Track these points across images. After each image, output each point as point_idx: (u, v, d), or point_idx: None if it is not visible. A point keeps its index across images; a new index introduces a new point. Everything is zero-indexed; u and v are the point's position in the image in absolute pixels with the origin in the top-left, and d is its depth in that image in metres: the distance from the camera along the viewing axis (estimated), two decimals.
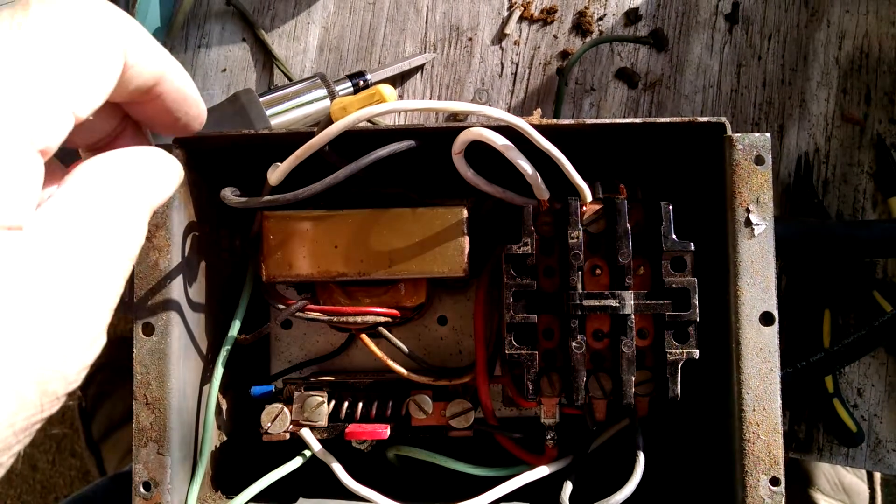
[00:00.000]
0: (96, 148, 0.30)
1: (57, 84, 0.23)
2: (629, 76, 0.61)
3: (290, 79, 0.62)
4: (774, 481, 0.39)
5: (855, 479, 1.03)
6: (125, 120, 0.31)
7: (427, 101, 0.36)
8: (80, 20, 0.24)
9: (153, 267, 0.41)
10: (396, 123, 0.61)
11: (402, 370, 0.45)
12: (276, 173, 0.40)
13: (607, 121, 0.42)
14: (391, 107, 0.34)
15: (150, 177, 0.27)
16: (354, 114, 0.35)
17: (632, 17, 0.62)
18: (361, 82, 0.59)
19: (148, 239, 0.41)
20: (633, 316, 0.40)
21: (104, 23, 0.25)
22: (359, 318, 0.45)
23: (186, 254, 0.43)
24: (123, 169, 0.26)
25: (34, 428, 0.22)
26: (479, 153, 0.41)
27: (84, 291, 0.23)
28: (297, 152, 0.39)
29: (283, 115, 0.58)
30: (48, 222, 0.23)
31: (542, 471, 0.44)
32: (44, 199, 0.24)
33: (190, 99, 0.30)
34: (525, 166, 0.41)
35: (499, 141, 0.40)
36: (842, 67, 0.61)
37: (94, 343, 0.24)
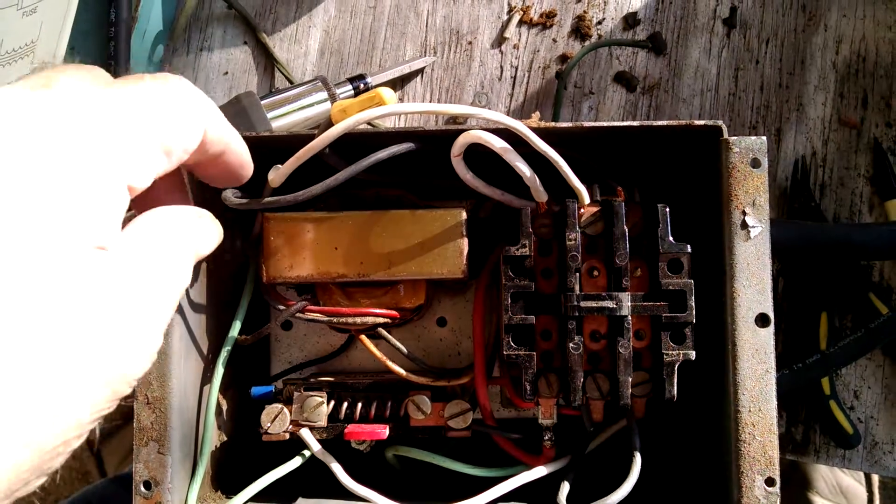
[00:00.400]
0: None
1: (156, 139, 0.28)
2: (628, 80, 0.62)
3: (291, 82, 0.63)
4: (770, 482, 0.40)
5: (853, 482, 1.03)
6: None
7: (426, 104, 0.36)
8: (179, 94, 0.30)
9: None
10: (396, 126, 0.62)
11: (401, 371, 0.45)
12: (277, 175, 0.41)
13: (605, 124, 0.42)
14: (390, 109, 0.34)
15: (202, 232, 0.33)
16: (354, 116, 0.35)
17: (630, 21, 0.62)
18: (362, 85, 0.60)
19: None
20: (630, 317, 0.41)
21: (195, 100, 0.31)
22: (358, 319, 0.45)
23: None
24: (186, 220, 0.32)
25: (94, 425, 0.25)
26: (478, 156, 0.42)
27: (150, 310, 0.27)
28: (298, 154, 0.39)
29: (284, 117, 0.58)
30: (127, 249, 0.27)
31: (539, 471, 0.44)
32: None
33: (245, 163, 0.35)
34: (523, 169, 0.41)
35: (497, 144, 0.40)
36: (839, 71, 0.61)
37: (151, 356, 0.27)
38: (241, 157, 0.35)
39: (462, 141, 0.41)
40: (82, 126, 0.25)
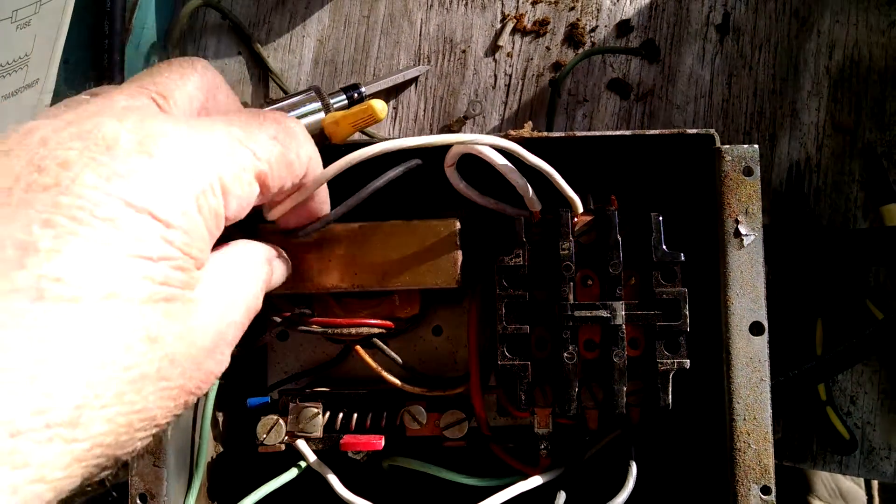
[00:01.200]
0: None
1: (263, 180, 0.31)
2: (621, 87, 0.62)
3: (285, 92, 0.63)
4: (765, 490, 0.40)
5: (853, 485, 1.03)
6: None
7: (418, 138, 0.37)
8: (292, 131, 0.32)
9: None
10: (390, 136, 0.62)
11: (397, 381, 0.45)
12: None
13: (597, 133, 0.43)
14: (383, 148, 0.36)
15: (275, 270, 0.37)
16: (346, 158, 0.36)
17: (623, 28, 0.63)
18: (356, 95, 0.60)
19: None
20: (624, 326, 0.41)
21: (303, 137, 0.33)
22: (353, 330, 0.45)
23: None
24: (264, 257, 0.35)
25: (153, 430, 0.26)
26: (472, 165, 0.42)
27: (232, 324, 0.30)
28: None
29: None
30: (215, 274, 0.29)
31: (535, 480, 0.44)
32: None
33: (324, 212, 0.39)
34: (517, 179, 0.41)
35: (490, 154, 0.40)
36: (832, 77, 0.61)
37: (221, 368, 0.29)
38: (322, 208, 0.38)
39: (455, 151, 0.41)
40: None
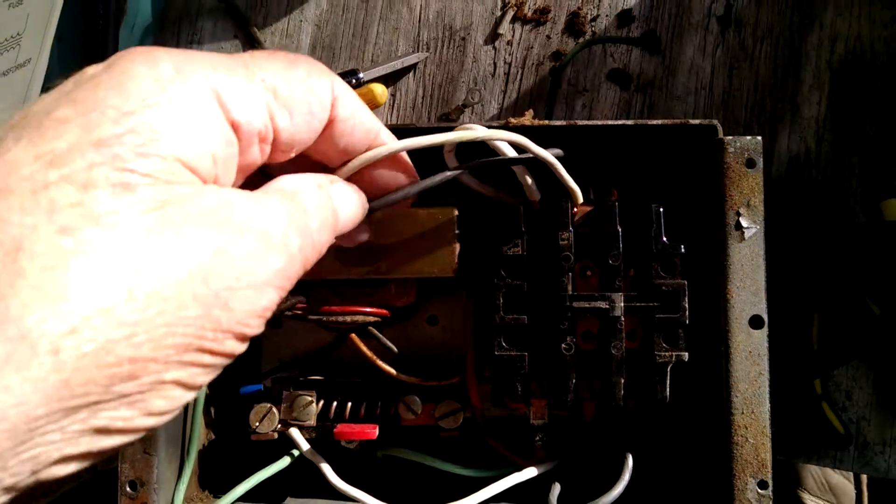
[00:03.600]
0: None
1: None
2: (622, 77, 0.61)
3: None
4: (762, 484, 0.39)
5: (842, 480, 1.03)
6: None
7: (424, 138, 0.36)
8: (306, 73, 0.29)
9: None
10: (389, 123, 0.61)
11: (392, 370, 0.45)
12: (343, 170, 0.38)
13: (599, 122, 0.42)
14: (391, 149, 0.34)
15: (350, 214, 0.32)
16: (359, 159, 0.34)
17: (625, 18, 0.62)
18: (354, 81, 0.59)
19: None
20: (622, 318, 0.40)
21: (327, 82, 0.30)
22: (348, 318, 0.45)
23: None
24: (345, 193, 0.31)
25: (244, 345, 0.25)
26: (471, 153, 0.41)
27: (299, 252, 0.27)
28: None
29: None
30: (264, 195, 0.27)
31: (530, 472, 0.44)
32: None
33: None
34: (517, 168, 0.41)
35: (500, 144, 0.40)
36: (834, 70, 0.61)
37: (265, 311, 0.26)
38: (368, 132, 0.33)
39: (454, 138, 0.40)
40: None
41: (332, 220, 0.30)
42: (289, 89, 0.28)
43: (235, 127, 0.26)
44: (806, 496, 1.01)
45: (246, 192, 0.26)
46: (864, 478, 1.04)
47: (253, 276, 0.24)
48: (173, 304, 0.22)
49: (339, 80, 0.30)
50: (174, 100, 0.24)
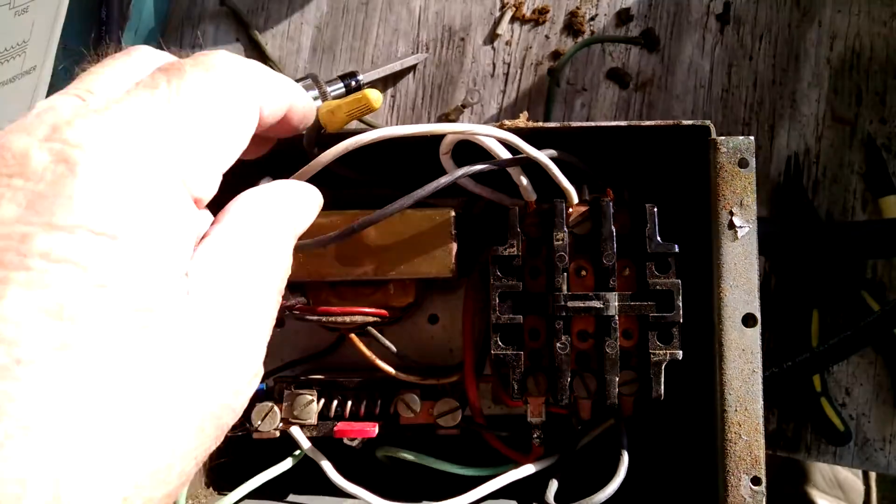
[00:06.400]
0: None
1: (209, 142, 0.25)
2: (620, 76, 0.62)
3: None
4: (756, 481, 0.40)
5: (850, 475, 1.03)
6: None
7: (415, 126, 0.37)
8: (225, 82, 0.26)
9: None
10: (388, 124, 0.62)
11: (391, 369, 0.46)
12: None
13: (593, 124, 0.42)
14: (379, 135, 0.35)
15: (296, 208, 0.29)
16: (343, 143, 0.35)
17: (623, 17, 0.62)
18: (353, 83, 0.60)
19: None
20: (617, 317, 0.41)
21: (246, 82, 0.26)
22: (348, 318, 0.45)
23: None
24: (274, 205, 0.27)
25: (205, 457, 0.23)
26: (467, 153, 0.42)
27: (248, 331, 0.24)
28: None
29: None
30: (211, 267, 0.24)
31: (528, 469, 0.44)
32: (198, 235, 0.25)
33: (308, 114, 0.32)
34: (512, 168, 0.41)
35: (486, 143, 0.40)
36: (833, 67, 0.61)
37: (257, 377, 0.25)
38: (303, 111, 0.31)
39: (450, 139, 0.41)
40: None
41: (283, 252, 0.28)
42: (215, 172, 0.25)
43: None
44: (814, 492, 1.01)
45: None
46: (873, 474, 1.04)
47: (238, 399, 0.24)
48: (174, 474, 0.22)
49: (261, 80, 0.28)
50: None
